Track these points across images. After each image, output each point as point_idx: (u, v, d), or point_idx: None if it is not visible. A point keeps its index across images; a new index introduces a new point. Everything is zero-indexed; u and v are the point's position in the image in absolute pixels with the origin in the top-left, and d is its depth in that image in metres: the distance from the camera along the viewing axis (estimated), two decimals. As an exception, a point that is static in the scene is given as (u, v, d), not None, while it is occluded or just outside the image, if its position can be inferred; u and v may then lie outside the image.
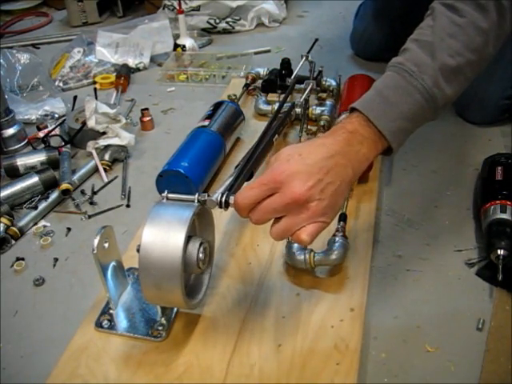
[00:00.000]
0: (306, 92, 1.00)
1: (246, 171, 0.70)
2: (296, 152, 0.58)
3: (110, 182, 1.00)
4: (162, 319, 0.67)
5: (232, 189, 0.64)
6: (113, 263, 0.68)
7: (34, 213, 0.90)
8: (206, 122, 0.97)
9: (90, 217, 0.91)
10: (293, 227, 0.57)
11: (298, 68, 1.06)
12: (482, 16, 0.64)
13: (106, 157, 1.03)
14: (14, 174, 1.00)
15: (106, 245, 0.65)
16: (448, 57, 0.63)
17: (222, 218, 0.83)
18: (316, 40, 1.12)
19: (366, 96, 0.65)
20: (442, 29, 0.65)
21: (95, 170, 1.02)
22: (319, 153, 0.58)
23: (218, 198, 0.61)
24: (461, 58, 0.64)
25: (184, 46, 1.49)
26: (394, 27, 1.26)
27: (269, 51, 1.51)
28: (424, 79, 0.63)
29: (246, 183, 0.69)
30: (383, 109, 0.63)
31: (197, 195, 0.63)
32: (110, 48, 1.45)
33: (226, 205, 0.61)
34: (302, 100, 1.00)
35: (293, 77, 1.02)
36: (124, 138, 1.04)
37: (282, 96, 1.09)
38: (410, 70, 0.64)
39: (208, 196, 0.62)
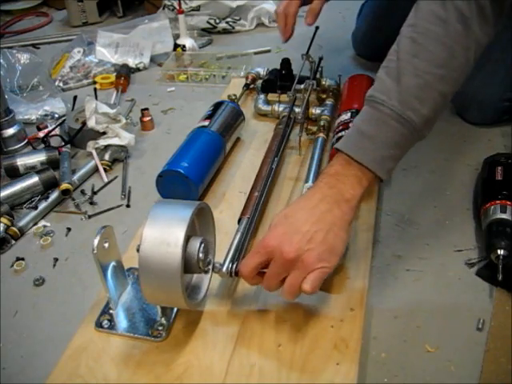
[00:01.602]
0: (307, 93, 1.00)
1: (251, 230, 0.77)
2: (283, 215, 0.63)
3: (109, 182, 1.00)
4: (162, 319, 0.67)
5: (240, 256, 0.70)
6: (113, 263, 0.67)
7: (33, 213, 0.90)
8: (206, 122, 0.97)
9: (89, 217, 0.91)
10: (296, 283, 0.61)
11: (301, 70, 1.06)
12: (443, 29, 0.63)
13: (106, 157, 1.03)
14: (14, 173, 1.00)
15: (106, 245, 0.65)
16: (414, 77, 0.63)
17: (222, 218, 0.84)
18: (317, 28, 1.11)
19: (346, 136, 0.67)
20: (405, 51, 0.65)
21: (95, 170, 1.02)
22: (302, 208, 0.63)
23: (229, 269, 0.67)
24: (428, 76, 0.63)
25: (184, 46, 1.49)
26: (397, 27, 1.26)
27: (269, 51, 1.51)
28: (394, 105, 0.63)
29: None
30: (362, 143, 0.64)
31: (212, 265, 0.67)
32: (110, 48, 1.45)
33: (236, 274, 0.66)
34: (302, 103, 1.00)
35: (296, 80, 1.02)
36: (124, 138, 1.04)
37: (282, 96, 1.10)
38: (379, 99, 0.64)
39: (220, 265, 0.67)
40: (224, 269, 0.67)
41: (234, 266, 0.67)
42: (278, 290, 0.63)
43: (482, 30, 0.64)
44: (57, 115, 1.20)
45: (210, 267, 0.67)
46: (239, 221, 0.79)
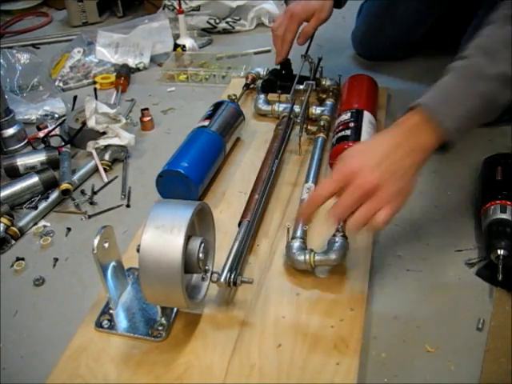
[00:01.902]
0: (307, 93, 1.00)
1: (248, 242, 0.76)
2: (360, 149, 0.66)
3: (109, 182, 1.00)
4: (162, 319, 0.67)
5: (238, 268, 0.70)
6: (113, 263, 0.67)
7: (33, 213, 0.90)
8: (206, 122, 0.97)
9: (89, 217, 0.91)
10: (368, 214, 0.61)
11: (300, 71, 1.06)
12: None
13: (106, 157, 1.03)
14: (14, 173, 1.00)
15: (106, 245, 0.65)
16: (510, 65, 0.65)
17: (222, 218, 0.84)
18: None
19: (428, 94, 0.67)
20: (505, 38, 0.67)
21: (95, 170, 1.02)
22: (382, 145, 0.64)
23: (227, 279, 0.66)
24: None
25: (184, 46, 1.49)
26: (396, 27, 1.26)
27: (269, 51, 1.51)
28: (486, 84, 0.65)
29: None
30: (446, 105, 0.65)
31: (210, 275, 0.67)
32: (110, 48, 1.45)
33: (235, 284, 0.66)
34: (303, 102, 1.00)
35: (296, 80, 1.02)
36: (124, 138, 1.04)
37: (282, 96, 1.10)
38: (472, 74, 0.66)
39: (218, 275, 0.67)
40: (222, 279, 0.66)
41: (233, 275, 0.67)
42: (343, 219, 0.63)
43: None
44: (57, 115, 1.20)
45: (209, 275, 0.67)
46: (239, 224, 0.78)
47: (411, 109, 0.67)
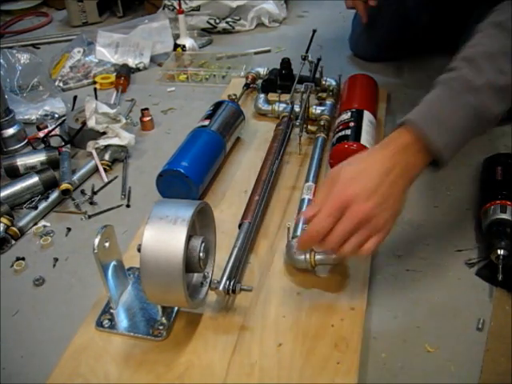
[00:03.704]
0: (306, 93, 1.00)
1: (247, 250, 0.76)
2: (353, 171, 0.64)
3: (110, 182, 1.00)
4: (163, 318, 0.67)
5: (237, 275, 0.70)
6: (113, 263, 0.68)
7: (33, 213, 0.90)
8: (206, 122, 0.97)
9: (90, 217, 0.91)
10: (363, 241, 0.63)
11: (300, 70, 1.06)
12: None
13: (106, 157, 1.03)
14: (14, 173, 1.00)
15: (107, 244, 0.65)
16: (498, 74, 0.64)
17: (222, 218, 0.84)
18: (314, 31, 1.12)
19: (416, 110, 0.67)
20: (492, 47, 0.66)
21: (95, 170, 1.02)
22: (375, 170, 0.63)
23: (225, 287, 0.66)
24: (509, 77, 0.64)
25: (184, 46, 1.49)
26: (390, 26, 1.26)
27: (269, 51, 1.51)
28: (475, 96, 0.64)
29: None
30: (436, 122, 0.64)
31: (209, 283, 0.67)
32: (110, 48, 1.45)
33: (234, 291, 0.66)
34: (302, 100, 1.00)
35: (296, 81, 1.02)
36: (124, 138, 1.04)
37: (282, 96, 1.10)
38: (460, 86, 0.65)
39: (217, 283, 0.66)
40: (221, 287, 0.66)
41: (232, 283, 0.66)
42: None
43: None
44: (57, 115, 1.20)
45: (208, 281, 0.67)
46: (239, 226, 0.78)
47: (401, 125, 0.66)
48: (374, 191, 0.62)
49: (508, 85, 0.64)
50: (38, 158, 1.01)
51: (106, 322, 0.67)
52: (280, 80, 1.14)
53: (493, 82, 0.64)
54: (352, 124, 0.94)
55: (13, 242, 0.86)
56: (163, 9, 1.66)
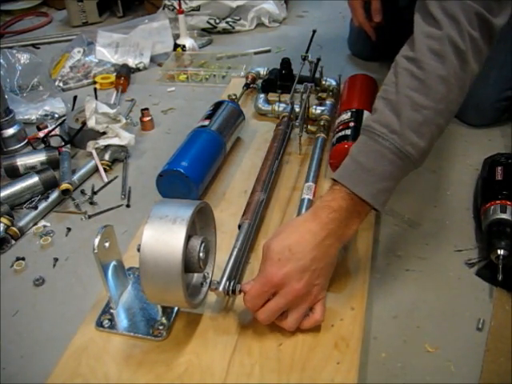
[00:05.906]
0: (306, 93, 1.00)
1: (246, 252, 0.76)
2: (285, 247, 0.63)
3: (109, 182, 1.00)
4: (163, 318, 0.67)
5: (237, 275, 0.70)
6: (113, 263, 0.68)
7: (33, 213, 0.90)
8: (206, 122, 0.97)
9: (90, 217, 0.91)
10: (302, 316, 0.64)
11: (300, 71, 1.06)
12: (441, 64, 0.64)
13: (106, 157, 1.03)
14: (14, 173, 1.00)
15: (107, 244, 0.65)
16: (414, 112, 0.64)
17: (222, 217, 0.84)
18: (314, 32, 1.12)
19: (343, 165, 0.67)
20: (405, 84, 0.65)
21: (95, 170, 1.02)
22: (308, 243, 0.63)
23: (225, 288, 0.66)
24: (427, 111, 0.64)
25: (184, 46, 1.49)
26: (388, 29, 1.26)
27: (269, 51, 1.52)
28: (394, 139, 0.63)
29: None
30: (360, 176, 0.64)
31: (209, 283, 0.67)
32: (110, 48, 1.46)
33: (233, 292, 0.66)
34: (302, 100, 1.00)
35: (296, 81, 1.02)
36: (124, 138, 1.04)
37: (282, 96, 1.10)
38: (379, 132, 0.64)
39: (217, 283, 0.66)
40: (220, 288, 0.65)
41: (232, 284, 0.66)
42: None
43: (476, 62, 0.66)
44: (57, 115, 1.20)
45: (208, 281, 0.67)
46: (239, 226, 0.78)
47: (334, 181, 0.66)
48: (306, 269, 0.62)
49: (427, 118, 0.64)
50: (38, 158, 1.01)
51: (105, 322, 0.67)
52: (280, 80, 1.14)
53: (411, 120, 0.63)
54: (352, 124, 0.94)
55: (13, 241, 0.86)
56: (163, 9, 1.66)
